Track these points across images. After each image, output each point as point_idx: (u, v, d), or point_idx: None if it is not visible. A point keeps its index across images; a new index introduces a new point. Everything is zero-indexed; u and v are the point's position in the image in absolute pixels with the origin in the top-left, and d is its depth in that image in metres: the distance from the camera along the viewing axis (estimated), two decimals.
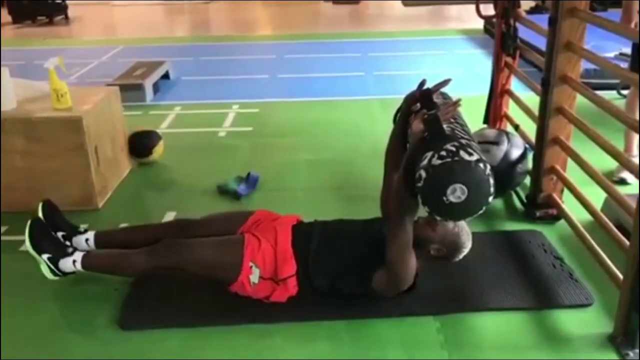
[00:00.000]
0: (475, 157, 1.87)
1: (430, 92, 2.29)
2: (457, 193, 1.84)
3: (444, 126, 1.99)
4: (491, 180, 1.88)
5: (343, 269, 2.26)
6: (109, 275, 2.47)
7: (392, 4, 10.69)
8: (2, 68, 3.01)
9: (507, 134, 3.15)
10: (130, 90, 4.78)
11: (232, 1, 11.27)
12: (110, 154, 3.35)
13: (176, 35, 8.72)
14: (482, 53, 6.47)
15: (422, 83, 2.35)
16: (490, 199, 1.90)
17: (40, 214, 2.50)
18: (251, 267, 2.23)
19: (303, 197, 3.27)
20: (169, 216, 3.06)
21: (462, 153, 1.86)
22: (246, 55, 6.85)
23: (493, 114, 3.58)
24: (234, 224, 2.45)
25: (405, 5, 10.49)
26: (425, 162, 1.88)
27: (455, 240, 2.22)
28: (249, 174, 3.38)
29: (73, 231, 2.55)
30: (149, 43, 7.61)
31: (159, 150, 3.72)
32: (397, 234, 2.09)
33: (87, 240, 2.53)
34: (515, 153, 3.01)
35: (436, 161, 1.86)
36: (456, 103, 2.08)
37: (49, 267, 2.35)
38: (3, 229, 2.97)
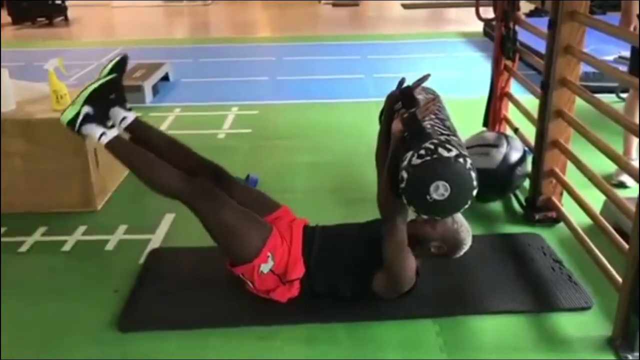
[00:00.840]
0: (454, 152, 1.87)
1: (410, 90, 2.29)
2: (440, 190, 1.84)
3: (424, 123, 1.99)
4: (473, 174, 1.88)
5: (344, 272, 2.26)
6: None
7: (392, 7, 10.69)
8: (1, 69, 3.01)
9: (506, 136, 3.16)
10: (129, 91, 4.63)
11: (231, 3, 11.27)
12: (110, 156, 3.34)
13: (176, 37, 8.73)
14: (481, 56, 6.47)
15: (401, 82, 2.35)
16: (474, 192, 1.90)
17: (112, 64, 2.41)
18: (268, 256, 2.21)
19: (302, 199, 3.26)
20: (168, 218, 3.06)
21: (440, 150, 1.87)
22: (246, 57, 6.85)
23: (492, 116, 3.58)
24: (262, 208, 2.40)
25: (405, 7, 10.50)
26: (405, 162, 1.89)
27: (455, 236, 2.21)
28: (248, 176, 3.38)
29: (121, 101, 2.44)
30: (149, 45, 7.61)
31: None
32: (391, 235, 2.10)
33: (124, 118, 2.42)
34: (515, 156, 3.01)
35: (416, 160, 1.86)
36: (434, 100, 2.09)
37: (76, 117, 2.28)
38: (2, 230, 2.96)
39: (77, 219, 3.04)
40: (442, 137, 1.94)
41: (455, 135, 2.07)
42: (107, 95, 2.38)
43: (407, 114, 2.03)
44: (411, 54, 6.72)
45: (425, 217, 1.98)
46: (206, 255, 2.68)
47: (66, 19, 9.45)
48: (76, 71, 6.07)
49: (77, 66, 6.25)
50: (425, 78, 2.29)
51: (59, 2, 9.33)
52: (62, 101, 3.06)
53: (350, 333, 2.19)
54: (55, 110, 3.06)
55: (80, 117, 2.28)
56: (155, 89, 5.29)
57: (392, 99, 2.35)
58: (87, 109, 2.29)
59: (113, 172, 3.40)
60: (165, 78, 5.64)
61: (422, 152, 1.87)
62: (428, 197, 1.85)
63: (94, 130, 2.30)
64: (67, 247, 2.82)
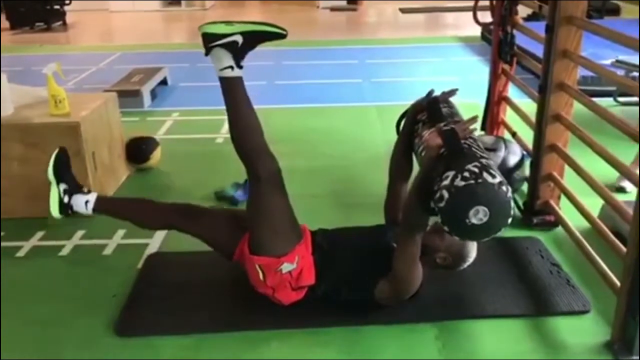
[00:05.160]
0: (498, 179, 1.87)
1: (437, 101, 2.28)
2: (479, 215, 1.84)
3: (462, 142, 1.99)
4: (512, 203, 1.89)
5: (346, 277, 2.25)
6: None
7: (390, 12, 10.71)
8: (0, 74, 3.01)
9: (504, 140, 3.16)
10: (127, 96, 4.77)
11: (229, 8, 11.29)
12: (108, 160, 3.35)
13: (174, 42, 8.73)
14: (479, 60, 6.48)
15: (430, 92, 2.35)
16: (510, 220, 1.91)
17: (52, 160, 2.49)
18: (295, 259, 2.19)
19: (299, 204, 3.21)
20: None
21: (485, 175, 1.86)
22: (243, 62, 6.84)
23: (490, 121, 3.59)
24: None
25: (403, 12, 10.52)
26: (447, 182, 1.87)
27: (461, 249, 2.21)
28: (246, 181, 3.37)
29: (76, 188, 2.52)
30: (147, 49, 7.61)
31: (156, 157, 3.72)
32: (406, 247, 2.09)
33: (87, 202, 2.48)
34: (513, 160, 3.01)
35: (459, 182, 1.85)
36: (473, 119, 2.08)
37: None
38: (0, 234, 2.95)
39: (75, 224, 3.03)
40: (484, 161, 1.94)
41: (490, 158, 2.05)
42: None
43: (447, 129, 2.00)
44: (409, 59, 6.73)
45: (457, 238, 1.98)
46: (204, 260, 2.67)
47: (64, 23, 9.46)
48: (74, 76, 6.08)
49: (75, 71, 6.25)
50: (453, 92, 2.30)
51: (57, 7, 9.34)
52: (60, 105, 3.06)
53: (348, 337, 2.19)
54: (53, 114, 3.07)
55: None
56: (154, 94, 5.29)
57: (417, 108, 2.35)
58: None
59: (111, 177, 3.40)
60: (164, 82, 5.64)
61: (467, 174, 1.86)
62: (467, 220, 1.85)
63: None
64: (64, 252, 2.82)
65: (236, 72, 2.22)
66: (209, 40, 2.17)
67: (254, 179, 2.22)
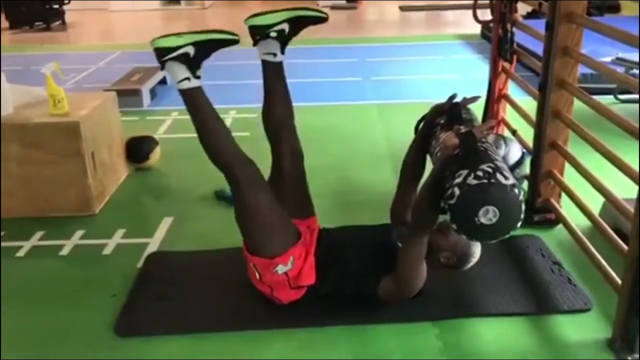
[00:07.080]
0: (511, 181, 1.86)
1: (459, 106, 2.28)
2: (489, 215, 1.83)
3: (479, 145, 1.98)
4: (523, 207, 1.88)
5: (349, 277, 2.24)
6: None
7: (390, 10, 10.71)
8: None
9: (504, 138, 3.15)
10: (127, 95, 4.77)
11: (229, 7, 11.28)
12: (107, 159, 3.35)
13: None
14: (479, 58, 6.48)
15: (453, 97, 2.34)
16: (519, 224, 1.90)
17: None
18: (289, 260, 2.19)
19: None
20: (166, 222, 3.05)
21: (498, 176, 1.85)
22: (244, 61, 6.81)
23: (490, 118, 3.57)
24: (299, 209, 2.40)
25: (403, 10, 10.51)
26: (459, 179, 1.87)
27: (465, 249, 2.20)
28: None
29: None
30: (147, 48, 7.51)
31: (156, 156, 3.71)
32: (413, 247, 2.08)
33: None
34: (513, 158, 3.01)
35: (472, 180, 1.84)
36: (490, 123, 2.07)
37: (174, 49, 2.13)
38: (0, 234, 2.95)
39: (75, 223, 3.03)
40: (498, 163, 1.93)
41: (504, 162, 2.05)
42: (215, 49, 2.25)
43: (465, 130, 2.00)
44: (409, 57, 6.73)
45: (464, 237, 1.97)
46: (204, 259, 2.68)
47: (64, 23, 9.46)
48: (73, 75, 6.07)
49: (74, 70, 6.25)
50: (474, 99, 2.31)
51: (57, 6, 9.34)
52: (60, 105, 3.06)
53: (349, 336, 2.19)
54: (52, 114, 3.06)
55: (178, 53, 2.13)
56: (153, 93, 5.28)
57: (438, 111, 2.35)
58: (189, 49, 2.14)
59: (111, 176, 3.40)
60: (163, 81, 5.63)
61: (480, 173, 1.85)
62: (476, 219, 1.83)
63: (180, 72, 2.16)
64: (64, 252, 2.81)
65: (194, 83, 2.21)
66: (161, 55, 2.15)
67: (235, 186, 2.23)
